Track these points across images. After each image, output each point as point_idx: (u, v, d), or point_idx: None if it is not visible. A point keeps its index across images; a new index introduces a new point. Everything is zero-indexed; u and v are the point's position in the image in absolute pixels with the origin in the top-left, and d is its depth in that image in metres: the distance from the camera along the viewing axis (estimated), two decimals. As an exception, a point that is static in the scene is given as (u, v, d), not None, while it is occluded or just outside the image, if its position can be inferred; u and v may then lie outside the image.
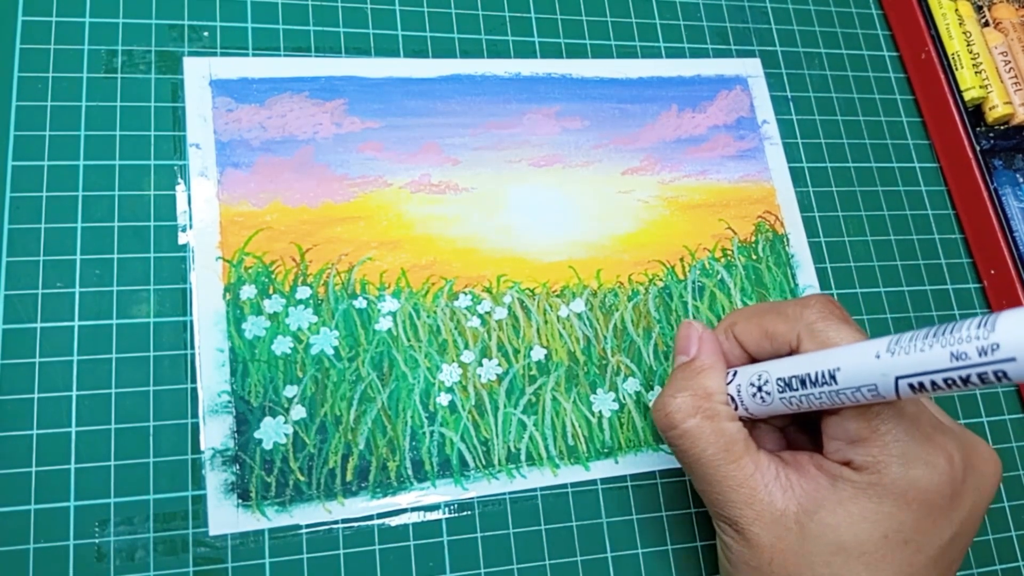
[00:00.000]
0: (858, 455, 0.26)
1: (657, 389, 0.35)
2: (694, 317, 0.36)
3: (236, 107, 0.34)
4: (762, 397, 0.27)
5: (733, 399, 0.28)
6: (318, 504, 0.30)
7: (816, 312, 0.27)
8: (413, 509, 0.31)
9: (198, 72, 0.34)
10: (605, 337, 0.35)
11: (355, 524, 0.31)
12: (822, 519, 0.26)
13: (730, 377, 0.29)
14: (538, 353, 0.34)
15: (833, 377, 0.24)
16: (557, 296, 0.35)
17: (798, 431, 0.30)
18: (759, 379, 0.27)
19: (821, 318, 0.27)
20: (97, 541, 0.29)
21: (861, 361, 0.24)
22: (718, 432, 0.27)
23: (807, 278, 0.38)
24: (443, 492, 0.32)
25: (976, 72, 0.42)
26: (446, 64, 0.37)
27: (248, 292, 0.32)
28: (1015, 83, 0.42)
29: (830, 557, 0.26)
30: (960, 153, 0.41)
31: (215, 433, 0.30)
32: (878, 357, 0.23)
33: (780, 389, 0.27)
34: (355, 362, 0.32)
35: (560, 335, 0.35)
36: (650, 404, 0.34)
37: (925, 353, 0.22)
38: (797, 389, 0.26)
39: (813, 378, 0.25)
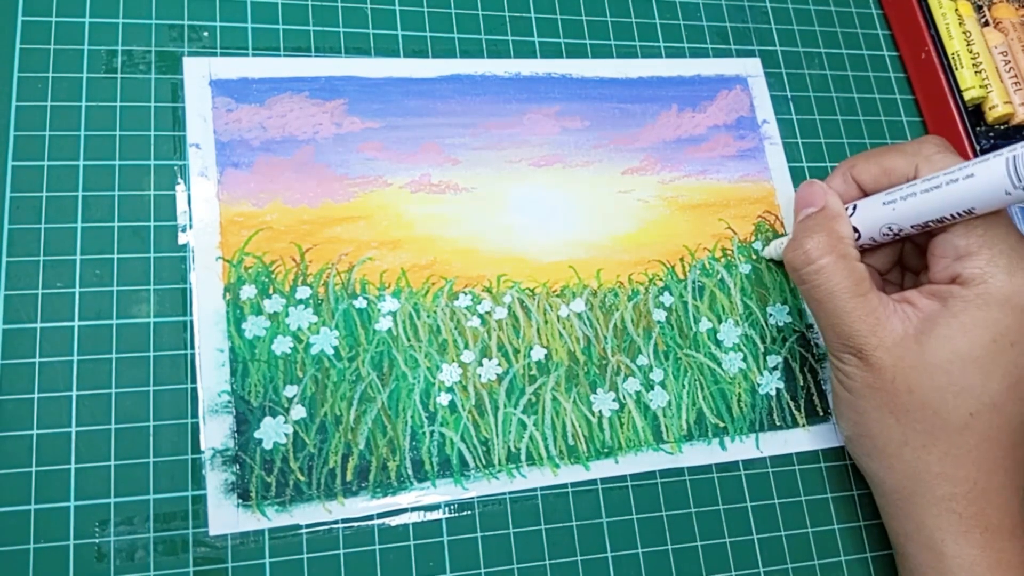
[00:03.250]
0: (966, 268, 0.30)
1: (657, 389, 0.35)
2: (694, 317, 0.36)
3: (236, 107, 0.34)
4: (895, 233, 0.32)
5: (856, 230, 0.32)
6: (318, 504, 0.30)
7: (933, 146, 0.31)
8: (413, 509, 0.31)
9: (198, 72, 0.34)
10: (605, 337, 0.35)
11: (355, 524, 0.31)
12: (939, 333, 0.29)
13: (850, 211, 0.33)
14: (538, 353, 0.34)
15: (969, 211, 0.29)
16: (557, 296, 0.35)
17: (900, 272, 0.35)
18: (893, 211, 0.31)
19: (938, 151, 0.31)
20: (97, 541, 0.29)
21: (990, 178, 0.28)
22: (851, 269, 0.31)
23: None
24: (443, 492, 0.32)
25: (976, 72, 0.42)
26: (446, 64, 0.37)
27: (248, 292, 0.32)
28: (1015, 83, 0.42)
29: (947, 365, 0.29)
30: (960, 153, 0.41)
31: (215, 433, 0.30)
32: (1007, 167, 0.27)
33: (912, 225, 0.31)
34: (355, 362, 0.32)
35: (560, 335, 0.35)
36: (773, 255, 0.38)
37: None
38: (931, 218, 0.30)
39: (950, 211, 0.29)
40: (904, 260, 0.35)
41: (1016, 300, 0.29)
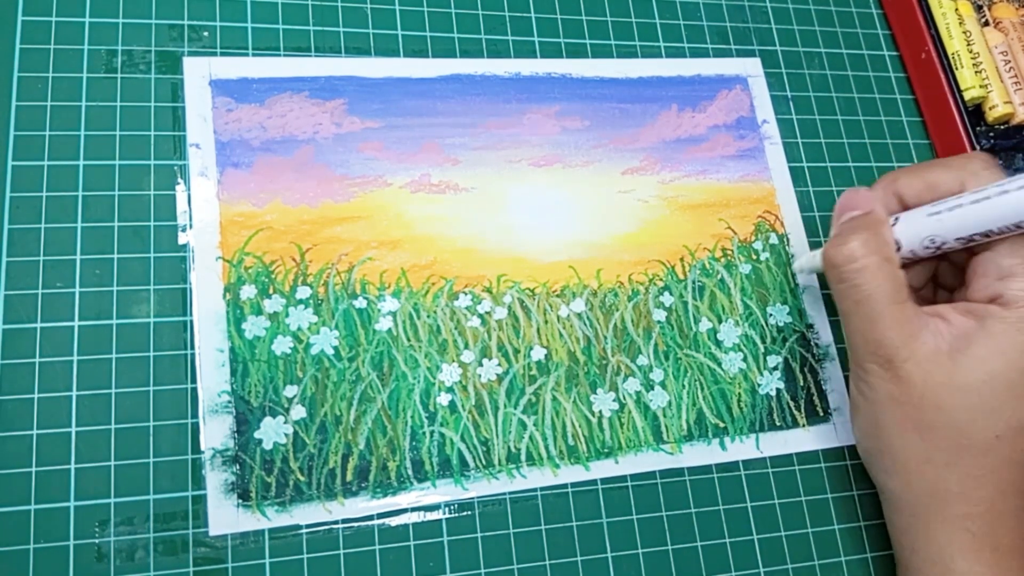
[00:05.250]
0: (1009, 288, 0.29)
1: (657, 389, 0.35)
2: (694, 317, 0.36)
3: (236, 107, 0.34)
4: (937, 247, 0.31)
5: (897, 242, 0.31)
6: (318, 504, 0.30)
7: (980, 161, 0.31)
8: (413, 509, 0.31)
9: (198, 72, 0.34)
10: (605, 337, 0.35)
11: (355, 524, 0.31)
12: (974, 353, 0.28)
13: (892, 223, 0.32)
14: (538, 353, 0.34)
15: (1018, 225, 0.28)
16: (557, 296, 0.35)
17: (933, 289, 0.34)
18: (938, 223, 0.31)
19: (985, 167, 0.30)
20: (97, 541, 0.29)
21: None
22: (892, 273, 0.30)
23: (807, 278, 0.38)
24: (443, 492, 0.32)
25: (976, 72, 0.42)
26: (446, 64, 0.37)
27: (248, 292, 0.32)
28: (1015, 83, 0.42)
29: (980, 386, 0.28)
30: (960, 153, 0.41)
31: (215, 433, 0.30)
32: None
33: (957, 238, 0.30)
34: (355, 362, 0.32)
35: (560, 335, 0.35)
36: (806, 267, 0.37)
37: None
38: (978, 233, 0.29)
39: (997, 225, 0.29)
40: (939, 277, 0.34)
41: None
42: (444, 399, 0.33)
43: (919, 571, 0.31)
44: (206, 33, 0.35)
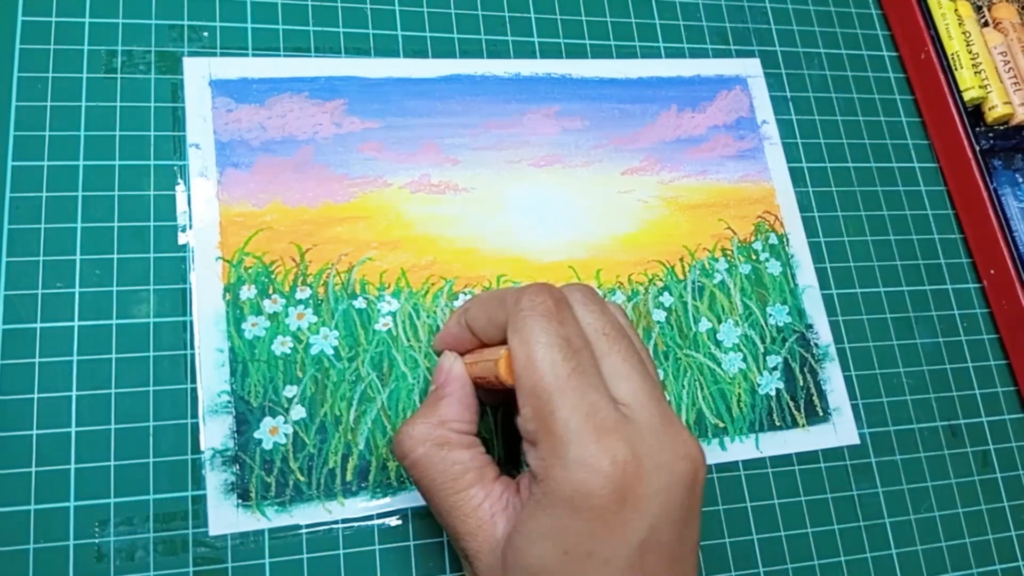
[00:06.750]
0: (532, 459, 0.24)
1: (657, 389, 0.35)
2: (694, 317, 0.36)
3: (236, 107, 0.34)
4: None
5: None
6: (318, 504, 0.30)
7: (527, 301, 0.25)
8: (413, 509, 0.31)
9: (198, 72, 0.34)
10: (605, 337, 0.35)
11: (355, 524, 0.31)
12: (514, 543, 0.24)
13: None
14: (538, 353, 0.34)
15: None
16: (557, 296, 0.35)
17: None
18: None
19: (529, 308, 0.25)
20: (97, 541, 0.29)
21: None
22: (446, 461, 0.26)
23: (807, 278, 0.38)
24: (443, 492, 0.31)
25: (976, 72, 0.42)
26: (446, 64, 0.37)
27: (248, 292, 0.32)
28: (1015, 83, 0.42)
29: None
30: (960, 153, 0.41)
31: (215, 433, 0.30)
32: None
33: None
34: (355, 362, 0.32)
35: (560, 335, 0.35)
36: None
37: None
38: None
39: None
40: None
41: (578, 501, 0.23)
42: (444, 399, 0.33)
43: None
44: (206, 33, 0.35)
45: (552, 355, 0.24)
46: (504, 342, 0.26)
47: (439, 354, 0.30)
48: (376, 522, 0.31)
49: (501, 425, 0.33)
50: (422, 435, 0.26)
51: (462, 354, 0.29)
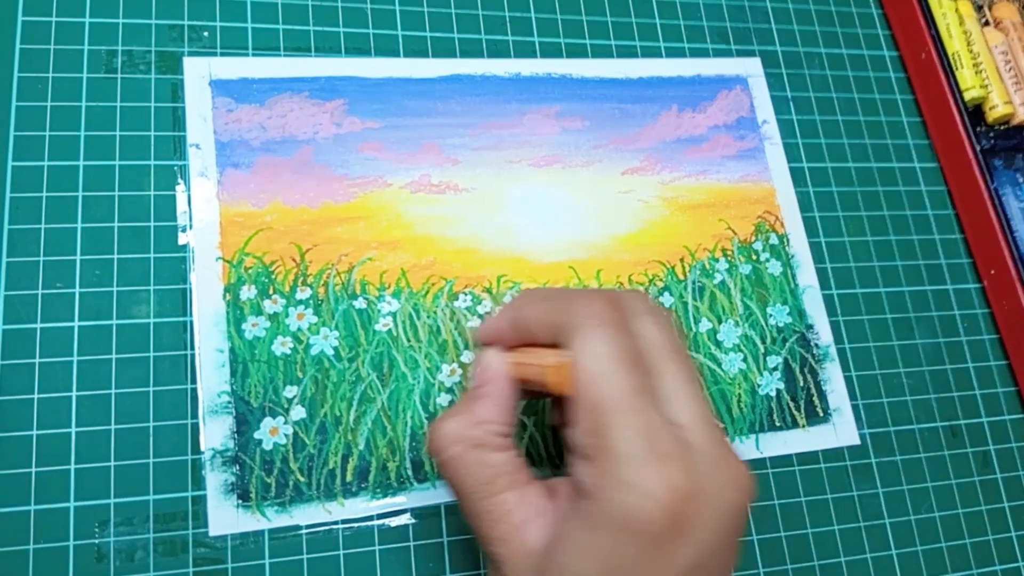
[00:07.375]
0: (583, 474, 0.23)
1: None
2: (694, 317, 0.36)
3: (236, 107, 0.34)
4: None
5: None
6: (318, 504, 0.30)
7: (591, 308, 0.25)
8: (413, 509, 0.31)
9: (198, 72, 0.34)
10: (605, 337, 0.35)
11: (355, 524, 0.31)
12: (555, 559, 0.23)
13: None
14: (538, 353, 0.34)
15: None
16: (557, 296, 0.35)
17: None
18: None
19: (591, 316, 0.24)
20: (97, 541, 0.29)
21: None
22: (480, 463, 0.25)
23: (807, 278, 0.38)
24: (443, 493, 0.31)
25: (976, 72, 0.42)
26: (446, 64, 0.37)
27: (248, 292, 0.32)
28: (1015, 83, 0.42)
29: None
30: (960, 153, 0.41)
31: (215, 433, 0.30)
32: None
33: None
34: (355, 362, 0.32)
35: (560, 335, 0.35)
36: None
37: None
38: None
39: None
40: None
41: (630, 525, 0.22)
42: (444, 400, 0.33)
43: None
44: (206, 33, 0.35)
45: (617, 370, 0.23)
46: (554, 345, 0.25)
47: (470, 346, 0.28)
48: (376, 523, 0.31)
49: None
50: (456, 434, 0.25)
51: (504, 350, 0.28)
